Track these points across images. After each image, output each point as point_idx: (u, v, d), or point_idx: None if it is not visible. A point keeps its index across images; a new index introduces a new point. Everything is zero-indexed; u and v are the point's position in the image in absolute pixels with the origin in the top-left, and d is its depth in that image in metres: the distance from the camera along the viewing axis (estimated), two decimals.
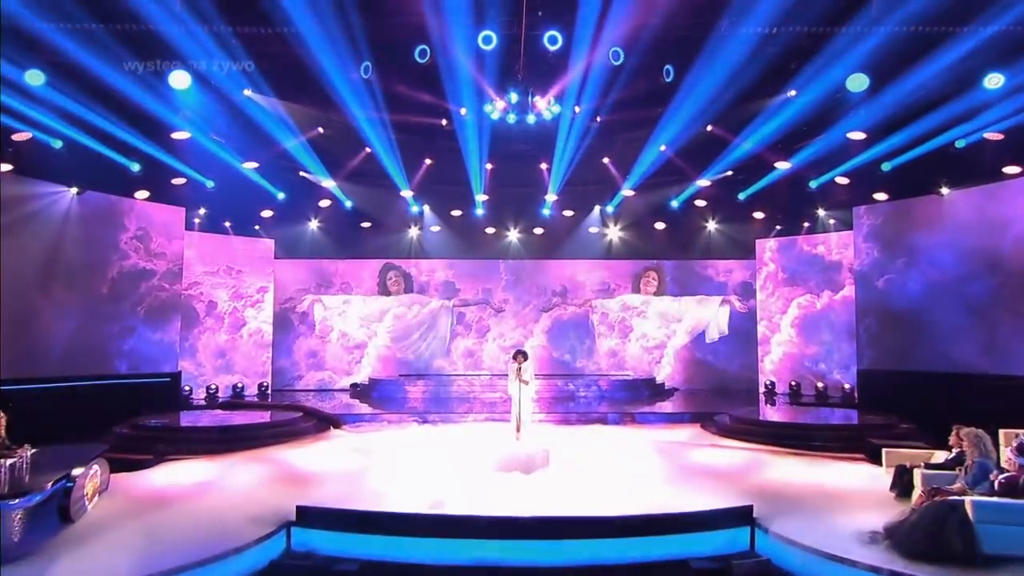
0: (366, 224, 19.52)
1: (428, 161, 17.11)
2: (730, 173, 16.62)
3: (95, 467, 7.65)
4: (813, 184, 15.78)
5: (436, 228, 19.97)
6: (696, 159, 16.25)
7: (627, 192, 17.90)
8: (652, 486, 8.54)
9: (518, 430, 10.22)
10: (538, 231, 20.09)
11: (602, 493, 8.11)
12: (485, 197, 18.28)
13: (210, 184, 14.61)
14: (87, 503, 7.33)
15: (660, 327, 19.79)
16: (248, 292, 18.29)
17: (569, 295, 20.02)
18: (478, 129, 14.00)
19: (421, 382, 17.82)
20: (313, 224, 19.53)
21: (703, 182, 17.19)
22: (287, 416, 12.96)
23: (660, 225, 19.77)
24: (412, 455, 10.35)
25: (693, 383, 19.25)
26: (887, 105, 11.17)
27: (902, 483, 7.79)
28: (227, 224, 17.68)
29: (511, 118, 12.53)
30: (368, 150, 15.54)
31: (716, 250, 19.83)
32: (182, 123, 11.87)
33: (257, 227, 18.37)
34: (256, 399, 16.91)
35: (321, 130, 14.34)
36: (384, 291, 20.02)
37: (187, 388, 16.34)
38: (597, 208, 19.79)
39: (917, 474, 7.54)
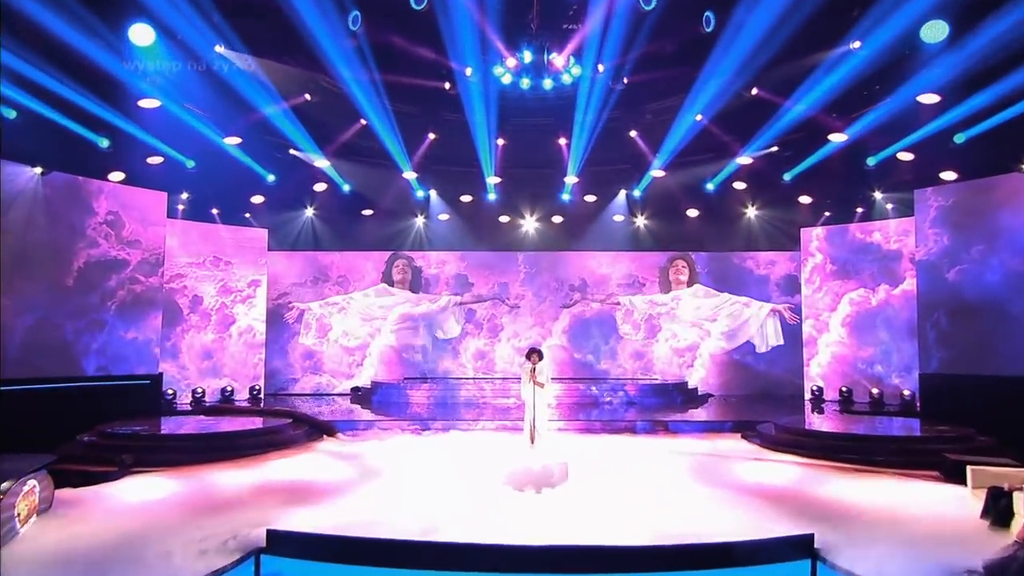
0: (367, 212, 18.98)
1: (432, 136, 16.25)
2: (775, 149, 15.69)
3: (31, 482, 6.92)
4: (871, 161, 14.79)
5: (445, 216, 19.40)
6: (736, 129, 15.35)
7: (656, 173, 17.05)
8: (690, 508, 7.82)
9: (532, 440, 9.75)
10: (557, 219, 19.48)
11: (631, 515, 7.40)
12: (497, 179, 17.56)
13: (190, 164, 13.99)
14: (18, 525, 6.59)
15: (692, 326, 19.14)
16: (238, 286, 17.76)
17: (590, 290, 19.47)
18: (485, 96, 13.12)
19: (426, 386, 17.33)
20: (309, 212, 19.04)
21: (743, 159, 16.30)
22: (274, 423, 12.43)
23: (693, 212, 19.07)
24: (410, 468, 9.87)
25: (730, 388, 18.65)
26: (968, 59, 10.05)
27: (997, 509, 6.84)
28: (214, 212, 17.15)
29: (524, 82, 11.61)
30: (363, 122, 14.76)
31: (757, 240, 19.11)
32: (150, 89, 11.16)
33: (248, 215, 17.85)
34: (248, 404, 16.51)
35: (308, 97, 13.56)
36: (388, 280, 19.49)
37: (170, 392, 15.92)
38: (623, 193, 19.12)
39: (1018, 499, 6.57)
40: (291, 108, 13.31)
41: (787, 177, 16.86)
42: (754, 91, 13.28)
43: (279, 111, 13.04)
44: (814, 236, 17.82)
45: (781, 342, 18.69)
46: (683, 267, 19.34)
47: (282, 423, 12.45)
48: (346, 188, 17.88)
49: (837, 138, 14.19)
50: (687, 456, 10.83)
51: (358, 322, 19.19)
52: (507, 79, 11.96)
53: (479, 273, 19.53)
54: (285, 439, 11.91)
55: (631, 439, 12.51)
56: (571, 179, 17.56)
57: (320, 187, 17.64)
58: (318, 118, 14.27)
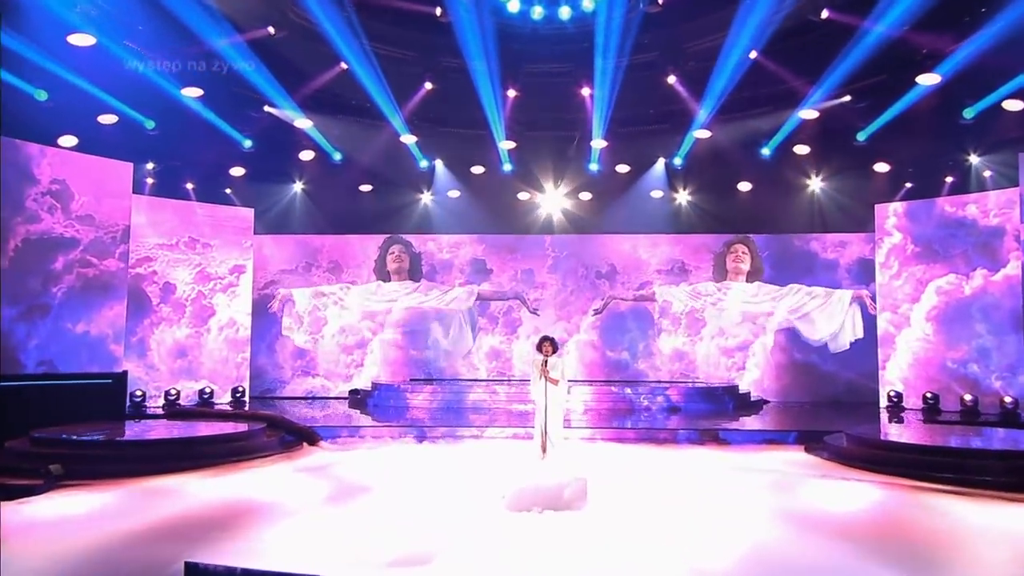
0: (365, 187, 18.27)
1: (428, 85, 15.05)
2: (847, 99, 14.34)
3: None
4: (968, 113, 13.33)
5: (455, 193, 18.66)
6: (800, 68, 14.07)
7: (700, 134, 15.89)
8: (741, 540, 6.63)
9: (544, 450, 8.70)
10: (585, 195, 18.66)
11: (663, 549, 6.25)
12: (511, 145, 16.52)
13: (150, 125, 13.11)
14: None
15: (744, 321, 18.29)
16: (218, 272, 17.16)
17: (620, 277, 18.67)
18: (483, 31, 11.84)
19: (430, 389, 16.63)
20: (297, 187, 18.46)
21: (807, 113, 15.01)
22: (242, 428, 11.66)
23: (745, 185, 18.17)
24: (394, 484, 9.02)
25: (789, 394, 18.08)
26: None
27: None
28: (189, 187, 16.60)
29: (537, 11, 10.35)
30: (343, 66, 13.67)
31: (823, 217, 18.28)
32: (80, 20, 10.20)
33: (228, 190, 17.28)
34: (231, 408, 16.02)
35: (271, 30, 12.50)
36: (381, 272, 18.69)
37: (139, 393, 15.38)
38: (661, 162, 18.20)
39: None
40: (251, 44, 12.26)
41: (861, 137, 15.66)
42: (824, 13, 11.86)
43: (237, 50, 11.98)
44: (891, 212, 16.88)
45: (861, 335, 17.74)
46: (744, 253, 18.36)
47: (252, 428, 11.67)
48: (337, 157, 16.98)
49: (927, 80, 12.74)
50: (738, 472, 9.92)
51: (358, 317, 18.60)
52: (514, 5, 10.71)
53: (498, 259, 18.97)
54: (255, 447, 11.17)
55: (671, 451, 11.71)
56: (598, 143, 16.58)
57: (307, 156, 16.77)
58: (288, 59, 13.23)
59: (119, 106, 12.41)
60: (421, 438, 12.45)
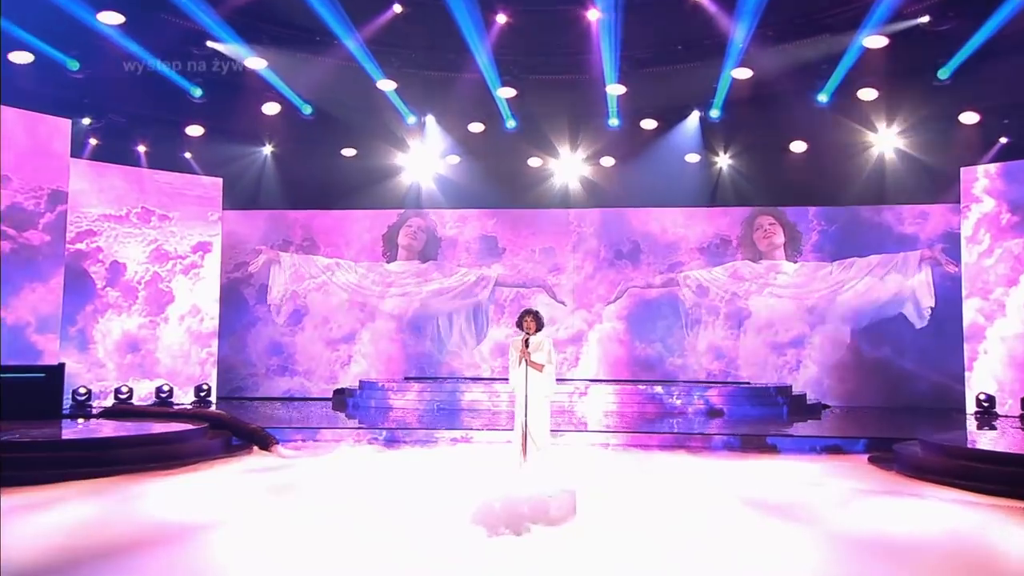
0: (349, 151, 17.76)
1: (397, 8, 14.15)
2: (924, 20, 13.15)
3: None
4: None
5: (455, 159, 18.21)
6: None
7: (738, 73, 14.92)
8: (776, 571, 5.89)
9: (525, 453, 7.91)
10: (607, 161, 18.06)
11: None
12: (510, 92, 15.76)
13: (74, 66, 12.49)
14: None
15: (798, 310, 17.95)
16: (178, 250, 16.71)
17: (645, 260, 18.30)
18: None
19: (418, 388, 16.35)
20: (267, 149, 18.02)
21: (872, 41, 13.93)
22: (175, 429, 11.25)
23: (799, 145, 17.30)
24: (341, 498, 8.51)
25: (854, 397, 17.52)
26: None
27: None
28: (141, 149, 16.17)
29: None
30: None
31: (895, 183, 17.51)
32: None
33: (188, 154, 16.93)
34: (192, 409, 15.43)
35: None
36: (390, 246, 18.49)
37: (83, 391, 15.02)
38: (695, 116, 17.34)
39: None
40: None
41: (943, 75, 14.56)
42: None
43: None
44: (981, 174, 15.88)
45: (932, 304, 17.30)
46: (772, 225, 18.04)
47: (189, 429, 11.26)
48: (308, 111, 16.46)
49: None
50: (780, 485, 9.37)
51: (344, 305, 18.44)
52: None
53: (512, 236, 18.55)
54: (189, 451, 10.78)
55: (703, 459, 11.26)
56: (615, 88, 15.63)
57: (272, 109, 16.16)
58: None
59: (26, 36, 11.69)
60: (391, 443, 12.15)
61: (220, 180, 17.07)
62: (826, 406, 16.83)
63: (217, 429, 11.77)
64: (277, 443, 11.59)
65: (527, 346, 7.70)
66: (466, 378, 17.67)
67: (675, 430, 12.93)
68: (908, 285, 17.32)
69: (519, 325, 7.93)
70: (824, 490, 8.94)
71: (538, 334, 7.84)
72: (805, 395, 16.65)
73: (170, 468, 9.97)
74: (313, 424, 13.38)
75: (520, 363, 7.75)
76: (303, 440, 12.17)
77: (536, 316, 7.90)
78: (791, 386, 16.69)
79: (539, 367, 7.72)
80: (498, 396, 15.60)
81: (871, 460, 10.88)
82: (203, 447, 10.94)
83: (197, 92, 14.82)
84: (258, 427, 12.04)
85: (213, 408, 15.51)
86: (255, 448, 11.55)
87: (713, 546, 6.46)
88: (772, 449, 11.86)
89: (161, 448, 10.50)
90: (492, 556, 6.13)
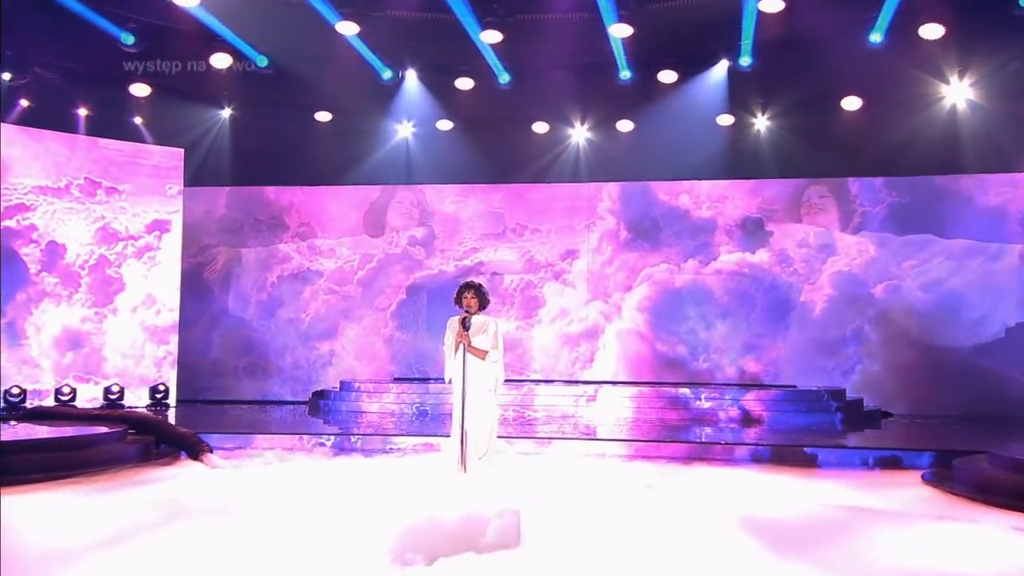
0: (323, 115, 17.35)
1: None
2: None
3: None
4: None
5: (447, 124, 17.94)
6: None
7: (766, 5, 13.98)
8: None
9: (464, 461, 7.25)
10: (624, 125, 17.57)
11: None
12: (497, 36, 15.09)
13: None
14: None
15: (853, 299, 17.56)
16: (130, 230, 16.41)
17: (664, 236, 18.05)
18: None
19: (397, 390, 16.06)
20: (226, 112, 17.77)
21: None
22: (83, 433, 11.07)
23: (854, 102, 16.54)
24: (252, 515, 8.12)
25: (924, 404, 16.83)
26: None
27: None
28: (82, 112, 16.05)
29: None
30: None
31: (972, 148, 16.59)
32: None
33: (138, 119, 16.71)
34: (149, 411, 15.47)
35: None
36: (377, 226, 18.32)
37: (16, 391, 14.96)
38: (723, 65, 16.57)
39: None
40: None
41: None
42: None
43: None
44: None
45: None
46: (822, 197, 17.60)
47: (98, 433, 11.05)
48: (263, 63, 16.09)
49: None
50: (805, 505, 8.81)
51: (324, 295, 18.43)
52: None
53: (520, 214, 18.43)
54: (97, 457, 10.44)
55: (721, 473, 10.79)
56: (619, 29, 14.83)
57: (222, 62, 15.71)
58: None
59: None
60: (342, 451, 11.96)
61: (181, 151, 16.76)
62: (888, 414, 16.37)
63: (142, 433, 11.58)
64: (210, 451, 11.39)
65: (465, 325, 7.00)
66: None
67: (692, 439, 12.51)
68: (996, 270, 16.69)
69: (457, 302, 7.27)
70: (847, 513, 8.32)
71: (480, 313, 7.20)
72: (861, 400, 16.14)
73: (67, 477, 9.56)
74: (272, 430, 13.29)
75: (458, 350, 7.07)
76: (240, 446, 12.02)
77: (479, 290, 7.21)
78: (844, 390, 16.13)
79: (482, 354, 7.08)
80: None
81: (924, 478, 10.31)
82: (115, 453, 10.68)
83: (129, 39, 14.41)
84: (189, 432, 11.82)
85: (142, 410, 15.18)
86: (183, 456, 11.35)
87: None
88: (810, 462, 11.35)
89: (61, 455, 10.14)
90: None
